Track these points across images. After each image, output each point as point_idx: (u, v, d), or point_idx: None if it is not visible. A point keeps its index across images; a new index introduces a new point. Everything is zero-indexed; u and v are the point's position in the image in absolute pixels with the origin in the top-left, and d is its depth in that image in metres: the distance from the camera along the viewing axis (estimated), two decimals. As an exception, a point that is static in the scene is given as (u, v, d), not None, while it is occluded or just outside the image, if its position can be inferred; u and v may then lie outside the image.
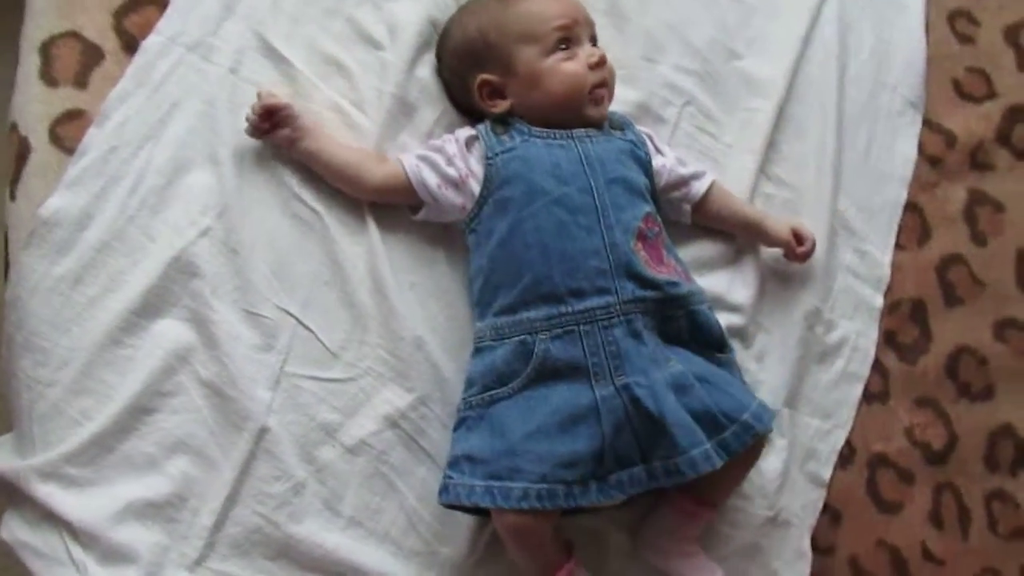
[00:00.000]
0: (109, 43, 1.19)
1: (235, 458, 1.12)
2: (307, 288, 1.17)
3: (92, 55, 1.19)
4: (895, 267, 1.34)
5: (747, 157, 1.32)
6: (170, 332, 1.13)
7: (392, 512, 1.14)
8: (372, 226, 1.18)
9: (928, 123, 1.40)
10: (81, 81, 1.18)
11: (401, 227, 1.20)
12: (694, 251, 1.27)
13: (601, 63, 1.18)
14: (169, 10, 1.21)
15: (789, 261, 1.28)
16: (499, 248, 1.12)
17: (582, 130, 1.17)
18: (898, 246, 1.35)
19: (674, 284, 1.13)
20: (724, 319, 1.22)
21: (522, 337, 1.08)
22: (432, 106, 1.24)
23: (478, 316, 1.14)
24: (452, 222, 1.18)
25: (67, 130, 1.16)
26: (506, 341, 1.09)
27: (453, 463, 1.08)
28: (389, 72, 1.22)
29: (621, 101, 1.27)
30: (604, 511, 1.15)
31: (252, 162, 1.18)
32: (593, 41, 1.21)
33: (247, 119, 1.15)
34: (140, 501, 1.09)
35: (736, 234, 1.28)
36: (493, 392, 1.08)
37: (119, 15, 1.20)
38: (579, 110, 1.17)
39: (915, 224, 1.36)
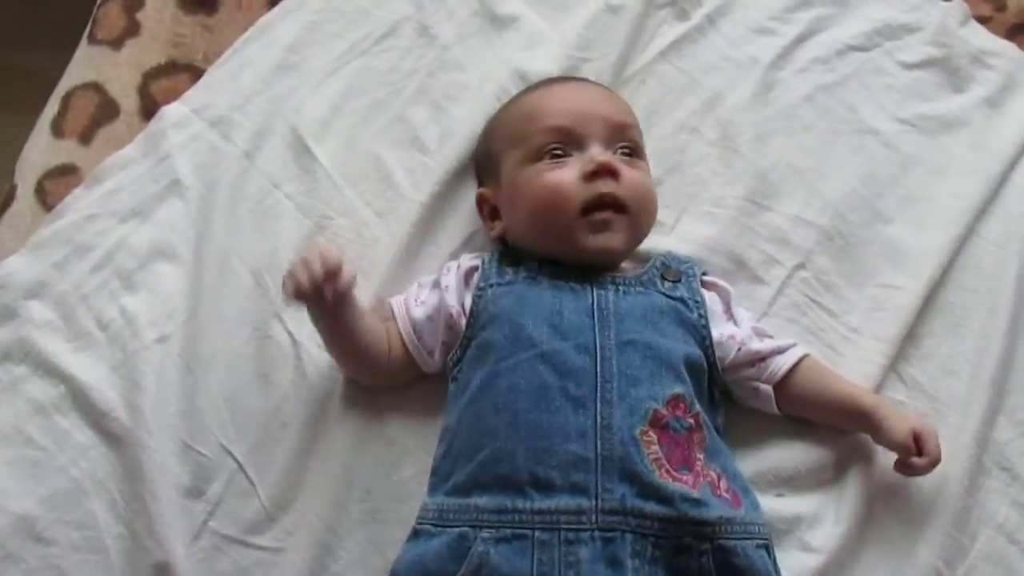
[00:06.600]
0: (128, 103, 1.09)
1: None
2: (259, 428, 0.95)
3: (106, 111, 1.09)
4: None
5: (874, 347, 0.98)
6: (94, 449, 0.93)
7: None
8: None
9: None
10: (86, 136, 1.07)
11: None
12: (770, 457, 0.93)
13: (601, 172, 0.88)
14: (202, 80, 1.10)
15: (897, 472, 0.91)
16: (468, 406, 0.86)
17: (608, 275, 0.90)
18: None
19: (695, 502, 0.80)
20: (794, 562, 0.88)
21: (463, 530, 0.80)
22: (462, 226, 1.02)
23: (430, 488, 0.87)
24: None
25: (55, 185, 1.05)
26: (447, 530, 0.82)
27: None
28: (427, 179, 1.03)
29: (694, 240, 1.01)
30: None
31: (238, 267, 1.00)
32: (629, 151, 0.93)
33: (303, 276, 0.84)
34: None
35: (835, 424, 0.94)
36: None
37: (149, 76, 1.10)
38: (568, 237, 0.90)
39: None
